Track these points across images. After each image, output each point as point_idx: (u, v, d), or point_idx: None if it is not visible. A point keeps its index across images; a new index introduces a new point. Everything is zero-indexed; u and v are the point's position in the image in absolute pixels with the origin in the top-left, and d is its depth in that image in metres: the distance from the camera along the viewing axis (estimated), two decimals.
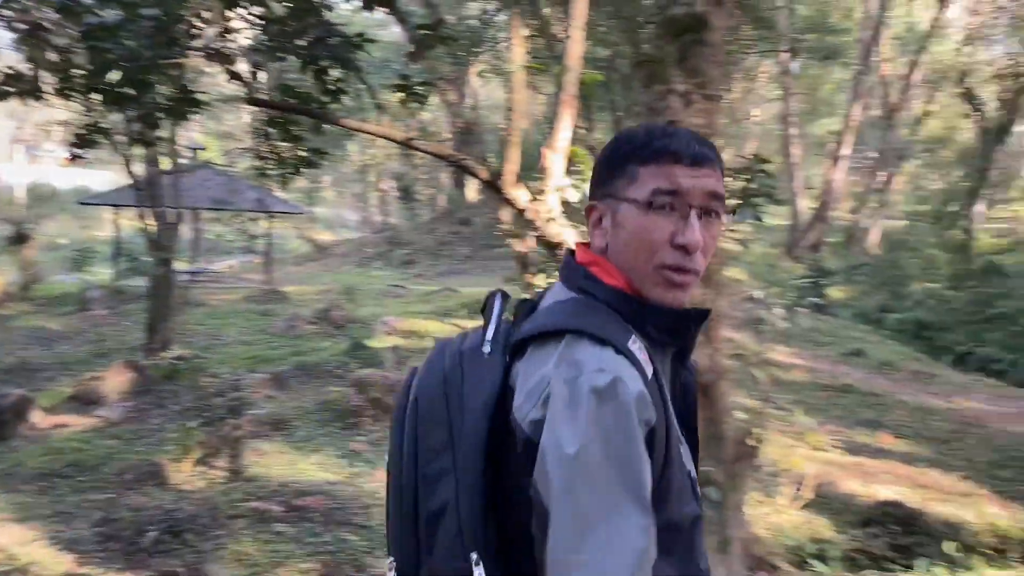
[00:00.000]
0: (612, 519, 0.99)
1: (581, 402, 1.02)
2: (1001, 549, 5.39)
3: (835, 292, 18.36)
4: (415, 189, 32.67)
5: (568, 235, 4.52)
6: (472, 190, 26.97)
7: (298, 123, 4.86)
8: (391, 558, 1.23)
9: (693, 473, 1.19)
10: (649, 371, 1.08)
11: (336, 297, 15.69)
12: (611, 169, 1.19)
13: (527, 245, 11.52)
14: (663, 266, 1.13)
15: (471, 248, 24.70)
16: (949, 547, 4.94)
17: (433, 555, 1.13)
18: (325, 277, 21.87)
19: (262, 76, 4.83)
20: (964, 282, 17.41)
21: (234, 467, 6.50)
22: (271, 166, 5.29)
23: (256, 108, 4.97)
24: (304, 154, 5.10)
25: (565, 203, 4.57)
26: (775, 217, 21.92)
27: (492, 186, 3.96)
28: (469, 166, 3.96)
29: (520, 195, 4.01)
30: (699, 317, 1.19)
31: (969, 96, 23.28)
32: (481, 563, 1.07)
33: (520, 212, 4.28)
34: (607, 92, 17.20)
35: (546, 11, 14.57)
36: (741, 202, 4.97)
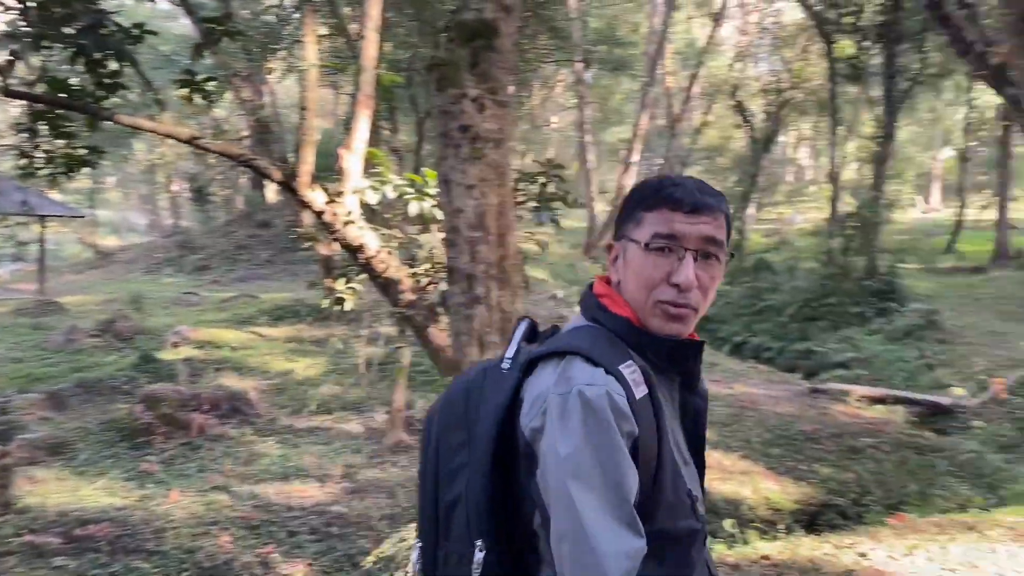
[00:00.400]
0: (602, 519, 1.14)
1: (572, 413, 1.17)
2: (772, 521, 5.97)
3: None
4: (209, 190, 30.88)
5: (369, 238, 4.48)
6: (272, 191, 25.97)
7: (70, 119, 4.45)
8: (418, 541, 1.40)
9: (695, 492, 1.30)
10: (639, 392, 1.21)
11: (122, 307, 14.51)
12: (626, 212, 1.34)
13: (330, 248, 11.29)
14: (660, 301, 1.28)
15: (271, 252, 23.75)
16: (727, 524, 5.40)
17: (449, 540, 1.31)
18: (109, 286, 20.17)
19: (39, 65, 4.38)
20: (739, 278, 19.09)
21: (2, 499, 5.84)
22: (39, 165, 4.80)
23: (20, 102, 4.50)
24: (79, 152, 4.68)
25: (365, 205, 4.53)
26: (573, 220, 22.97)
27: (287, 187, 3.83)
28: (260, 166, 3.82)
29: (316, 197, 3.92)
30: (695, 347, 1.33)
31: (740, 108, 25.66)
32: (485, 550, 1.23)
33: (318, 214, 4.19)
34: (410, 94, 17.24)
35: (344, 10, 14.35)
36: (539, 205, 5.18)
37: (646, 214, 1.30)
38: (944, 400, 9.82)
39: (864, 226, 17.43)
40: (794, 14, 24.86)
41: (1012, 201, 28.19)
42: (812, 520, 6.16)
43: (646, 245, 1.28)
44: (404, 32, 14.33)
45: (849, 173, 26.32)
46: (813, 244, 21.14)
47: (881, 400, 9.25)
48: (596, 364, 1.21)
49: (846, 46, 20.58)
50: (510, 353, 1.34)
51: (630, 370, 1.22)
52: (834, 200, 20.77)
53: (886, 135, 19.55)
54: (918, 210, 40.92)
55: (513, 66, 3.13)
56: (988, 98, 23.64)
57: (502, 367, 1.32)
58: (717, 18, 25.56)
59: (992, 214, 26.00)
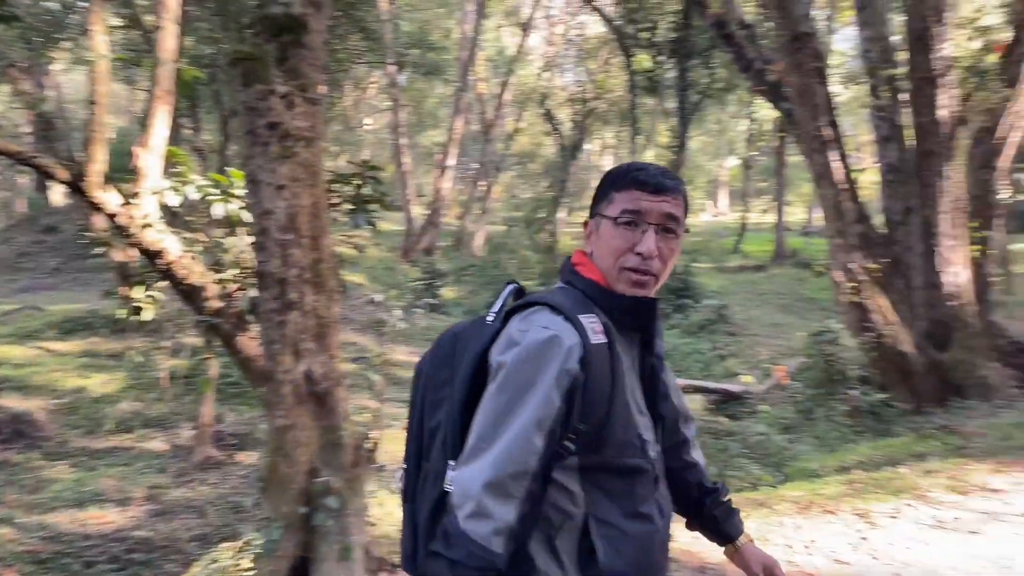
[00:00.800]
0: (513, 423, 1.34)
1: (522, 341, 1.39)
2: None
3: (448, 292, 19.66)
4: None
5: (169, 242, 4.20)
6: (58, 193, 23.68)
7: None
8: (403, 464, 1.59)
9: (646, 436, 1.49)
10: (596, 339, 1.41)
11: None
12: (599, 194, 1.56)
13: (126, 255, 10.46)
14: (626, 268, 1.49)
15: (59, 259, 21.65)
16: None
17: (428, 460, 1.50)
18: None
19: None
20: (551, 279, 19.81)
21: None
22: None
23: None
24: None
25: (165, 207, 4.25)
26: (390, 223, 22.77)
27: (75, 188, 3.52)
28: (43, 165, 3.48)
29: (109, 198, 3.62)
30: (649, 303, 1.51)
31: (549, 117, 26.63)
32: (456, 468, 1.38)
33: (111, 217, 3.88)
34: (213, 91, 16.34)
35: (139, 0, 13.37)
36: (354, 207, 5.09)
37: (616, 194, 1.51)
38: (735, 388, 10.75)
39: None
40: (597, 28, 26.16)
41: (787, 205, 31.31)
42: None
43: (615, 220, 1.49)
44: (207, 27, 13.57)
45: None
46: None
47: (683, 390, 9.96)
48: (557, 312, 1.42)
49: (643, 60, 21.95)
50: (495, 309, 1.52)
51: (590, 320, 1.43)
52: None
53: (679, 144, 21.09)
54: (708, 214, 44.51)
55: (324, 64, 3.06)
56: (767, 111, 26.07)
57: (487, 319, 1.51)
58: (525, 28, 26.37)
59: (772, 217, 28.74)
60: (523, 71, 28.46)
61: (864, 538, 4.17)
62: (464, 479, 1.34)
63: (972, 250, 9.43)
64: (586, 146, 33.18)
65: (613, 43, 23.11)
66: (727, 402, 10.26)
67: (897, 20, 10.32)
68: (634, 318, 1.50)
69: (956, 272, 9.02)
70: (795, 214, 36.77)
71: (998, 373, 9.33)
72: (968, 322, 9.09)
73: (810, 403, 9.32)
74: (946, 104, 8.61)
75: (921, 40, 8.52)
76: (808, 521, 4.55)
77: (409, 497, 1.54)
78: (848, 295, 9.03)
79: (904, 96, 9.15)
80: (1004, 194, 10.48)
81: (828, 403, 9.08)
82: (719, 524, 1.77)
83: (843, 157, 8.92)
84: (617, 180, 1.53)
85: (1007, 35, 9.57)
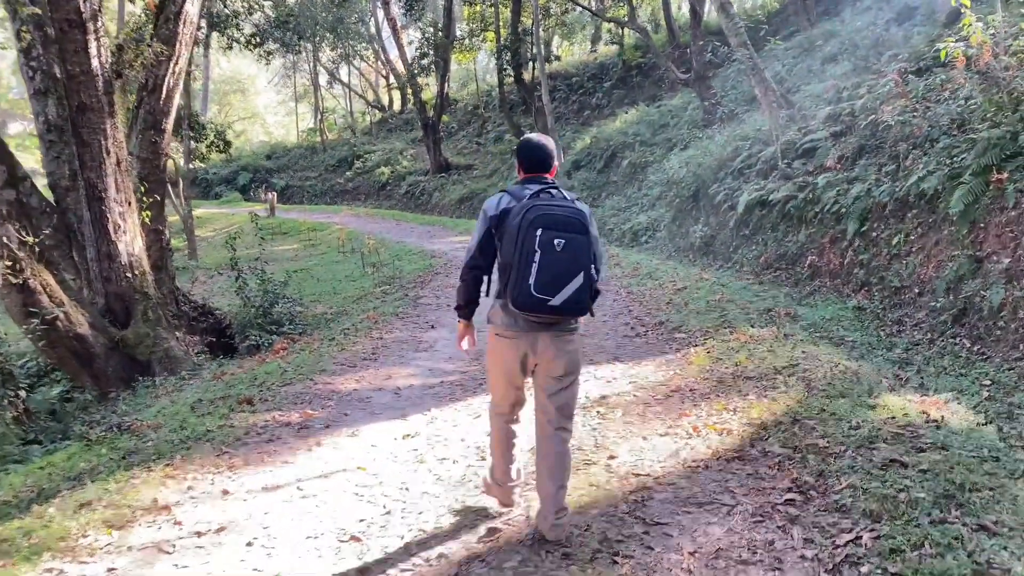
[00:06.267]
0: (473, 236, 3.48)
1: (486, 202, 3.51)
2: None
3: None
4: None
5: None
6: None
7: None
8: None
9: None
10: (504, 205, 3.38)
11: None
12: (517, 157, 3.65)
13: None
14: None
15: None
16: None
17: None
18: None
19: None
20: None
21: None
22: None
23: None
24: None
25: None
26: None
27: None
28: None
29: None
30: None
31: None
32: (476, 266, 3.50)
33: None
34: None
35: None
36: None
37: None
38: None
39: None
40: None
41: None
42: None
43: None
44: None
45: None
46: None
47: None
48: (503, 192, 3.43)
49: None
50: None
51: (507, 197, 3.39)
52: None
53: None
54: None
55: None
56: None
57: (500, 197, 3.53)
58: None
59: None
60: None
61: None
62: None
63: (144, 215, 8.88)
64: None
65: None
66: None
67: None
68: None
69: (129, 240, 8.33)
70: None
71: (184, 343, 9.11)
72: (148, 293, 8.54)
73: None
74: (98, 54, 7.67)
75: None
76: None
77: None
78: (6, 275, 7.43)
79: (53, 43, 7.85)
80: (174, 157, 10.25)
81: None
82: None
83: None
84: (518, 150, 3.64)
85: None
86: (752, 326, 6.92)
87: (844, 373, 5.12)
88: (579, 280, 3.12)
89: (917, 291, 7.92)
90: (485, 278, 3.45)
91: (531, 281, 3.10)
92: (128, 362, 8.33)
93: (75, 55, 7.53)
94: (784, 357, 5.68)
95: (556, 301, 3.10)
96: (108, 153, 7.93)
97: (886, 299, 8.36)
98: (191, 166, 29.18)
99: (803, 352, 5.75)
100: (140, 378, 8.09)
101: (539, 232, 3.11)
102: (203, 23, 21.01)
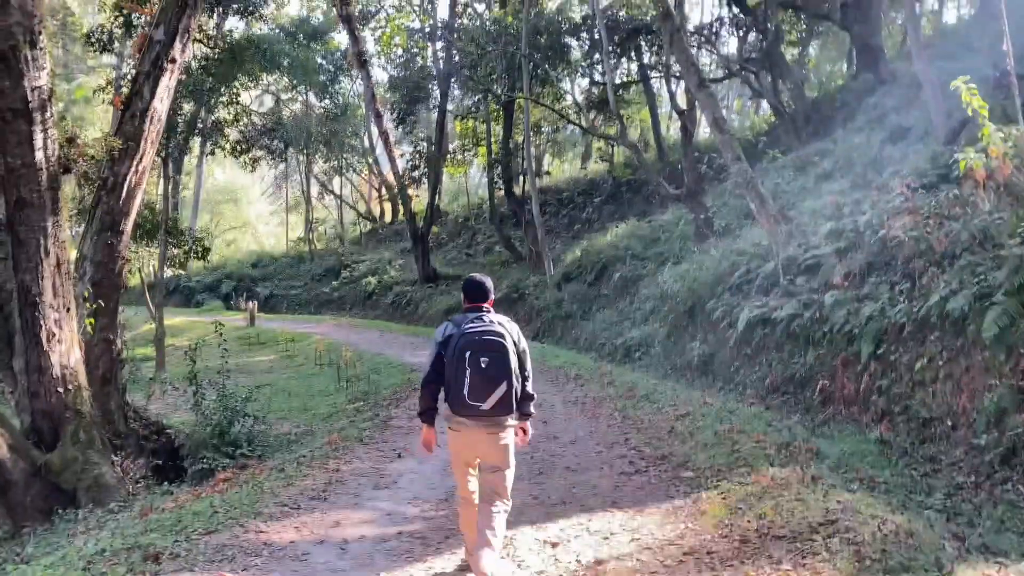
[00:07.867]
0: (427, 357, 4.41)
1: (436, 330, 4.54)
2: None
3: None
4: None
5: None
6: None
7: None
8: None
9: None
10: (448, 332, 4.28)
11: None
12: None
13: None
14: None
15: None
16: None
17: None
18: None
19: None
20: None
21: None
22: None
23: None
24: None
25: None
26: None
27: None
28: None
29: None
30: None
31: None
32: (428, 383, 4.44)
33: None
34: None
35: None
36: None
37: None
38: None
39: None
40: None
41: None
42: None
43: None
44: None
45: None
46: None
47: None
48: (448, 321, 4.39)
49: None
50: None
51: (450, 326, 4.30)
52: None
53: None
54: None
55: None
56: None
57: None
58: None
59: None
60: None
61: None
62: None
63: (88, 323, 8.00)
64: None
65: None
66: None
67: None
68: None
69: (65, 351, 7.40)
70: None
71: (122, 468, 8.03)
72: (82, 411, 7.54)
73: None
74: (44, 146, 6.99)
75: (7, 62, 6.72)
76: None
77: None
78: None
79: None
80: (134, 260, 9.48)
81: None
82: None
83: None
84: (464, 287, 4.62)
85: (125, 89, 8.63)
86: (771, 464, 5.96)
87: (897, 535, 4.15)
88: (503, 388, 4.13)
89: (951, 424, 7.02)
90: (441, 389, 4.31)
91: (464, 392, 4.12)
92: (51, 490, 7.25)
93: (17, 147, 6.84)
94: (817, 509, 4.71)
95: (486, 406, 4.13)
96: (47, 254, 7.13)
97: (912, 432, 7.44)
98: (173, 273, 28.53)
99: (839, 502, 4.79)
100: (60, 511, 6.99)
101: (468, 355, 4.11)
102: (196, 139, 20.82)
